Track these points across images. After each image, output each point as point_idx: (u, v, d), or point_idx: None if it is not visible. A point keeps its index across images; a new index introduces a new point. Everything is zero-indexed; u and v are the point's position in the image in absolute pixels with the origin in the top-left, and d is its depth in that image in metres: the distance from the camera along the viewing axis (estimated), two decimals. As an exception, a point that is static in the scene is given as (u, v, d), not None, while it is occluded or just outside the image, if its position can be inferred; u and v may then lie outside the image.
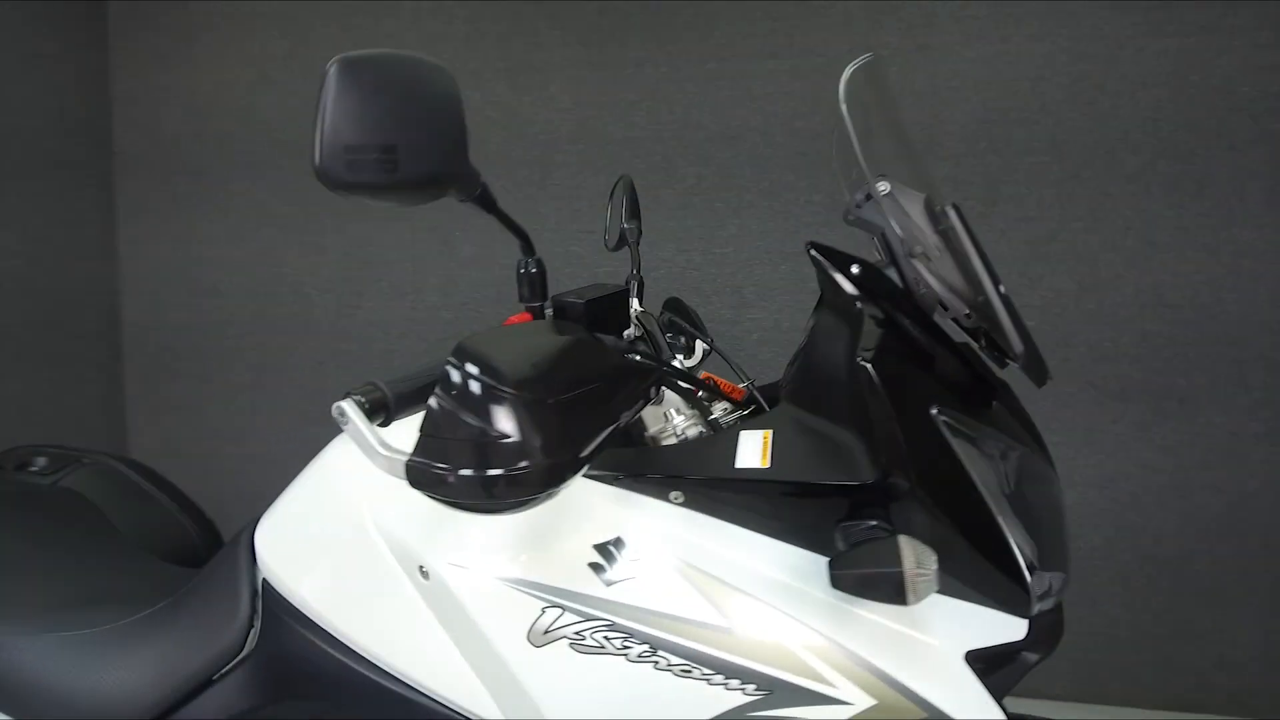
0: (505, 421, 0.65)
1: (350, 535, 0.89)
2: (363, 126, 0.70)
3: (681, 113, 2.23)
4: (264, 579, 0.95)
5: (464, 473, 0.64)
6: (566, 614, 0.78)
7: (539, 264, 0.80)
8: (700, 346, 1.09)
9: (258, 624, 0.93)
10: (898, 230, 0.82)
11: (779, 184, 2.20)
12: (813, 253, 0.82)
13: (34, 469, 1.31)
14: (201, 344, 2.53)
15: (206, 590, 0.97)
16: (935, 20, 2.09)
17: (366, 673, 0.87)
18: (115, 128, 2.53)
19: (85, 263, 2.44)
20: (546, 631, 0.78)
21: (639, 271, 1.12)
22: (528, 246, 0.82)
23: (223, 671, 0.93)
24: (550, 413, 0.66)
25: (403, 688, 0.85)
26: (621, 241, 1.18)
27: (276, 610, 0.92)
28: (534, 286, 0.83)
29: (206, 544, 1.34)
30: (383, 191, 0.72)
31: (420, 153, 0.71)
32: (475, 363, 0.68)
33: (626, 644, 0.76)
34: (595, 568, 0.78)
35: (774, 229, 2.20)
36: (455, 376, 0.68)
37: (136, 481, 1.35)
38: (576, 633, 0.77)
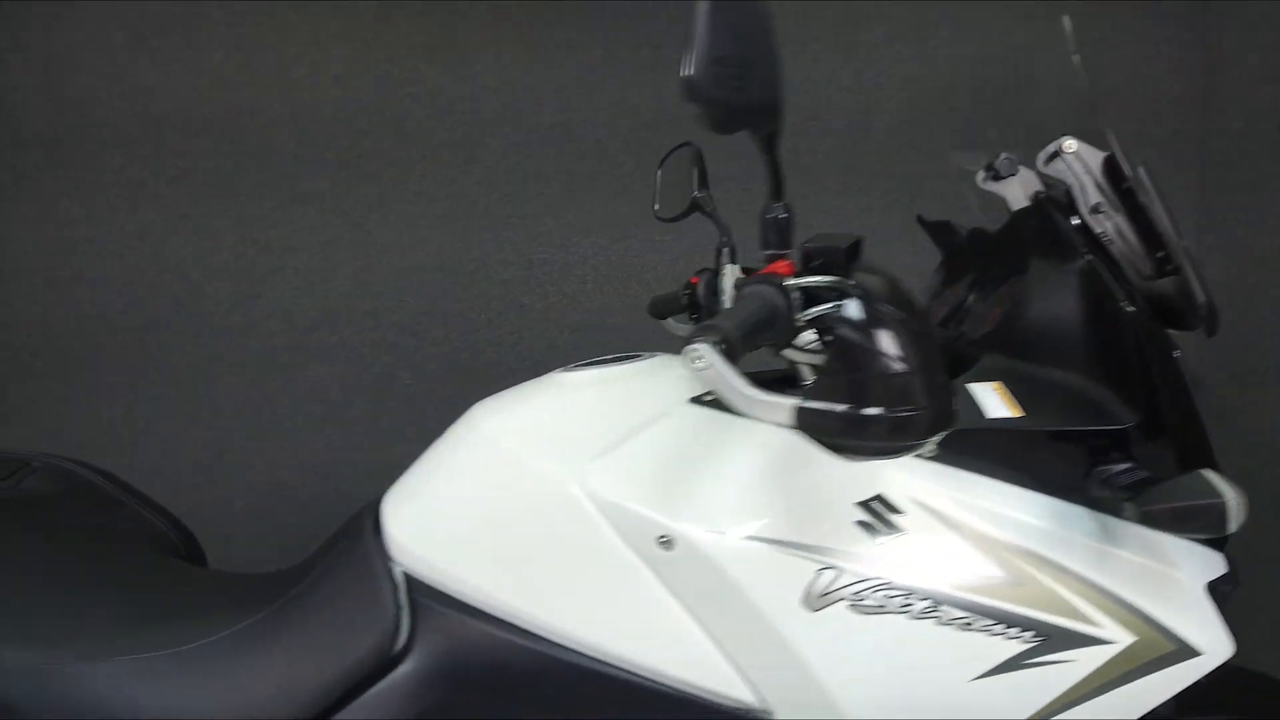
0: (914, 359, 0.64)
1: (549, 511, 0.82)
2: (731, 39, 0.66)
3: (617, 97, 2.20)
4: (404, 572, 0.85)
5: (872, 412, 0.61)
6: (843, 574, 0.75)
7: (788, 209, 0.77)
8: None
9: (405, 622, 0.82)
10: (1086, 186, 0.85)
11: (718, 173, 2.17)
12: (1041, 201, 0.83)
13: None
14: (62, 340, 2.21)
15: (326, 593, 0.85)
16: (863, 20, 2.19)
17: (572, 660, 0.80)
18: (-57, 89, 2.16)
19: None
20: (824, 594, 0.75)
21: (730, 238, 1.10)
22: (779, 191, 0.78)
23: (371, 679, 0.82)
24: (942, 358, 0.67)
25: (620, 672, 0.80)
26: (686, 211, 1.15)
27: (436, 605, 0.83)
28: (783, 233, 0.80)
29: (186, 544, 1.19)
30: (727, 111, 0.73)
31: (759, 76, 0.68)
32: (884, 299, 0.67)
33: (907, 601, 0.75)
34: (863, 526, 0.77)
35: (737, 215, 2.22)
36: (861, 312, 0.65)
37: (96, 483, 1.17)
38: (855, 593, 0.75)
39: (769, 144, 0.75)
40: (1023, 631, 0.74)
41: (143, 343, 2.21)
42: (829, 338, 0.76)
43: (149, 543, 1.09)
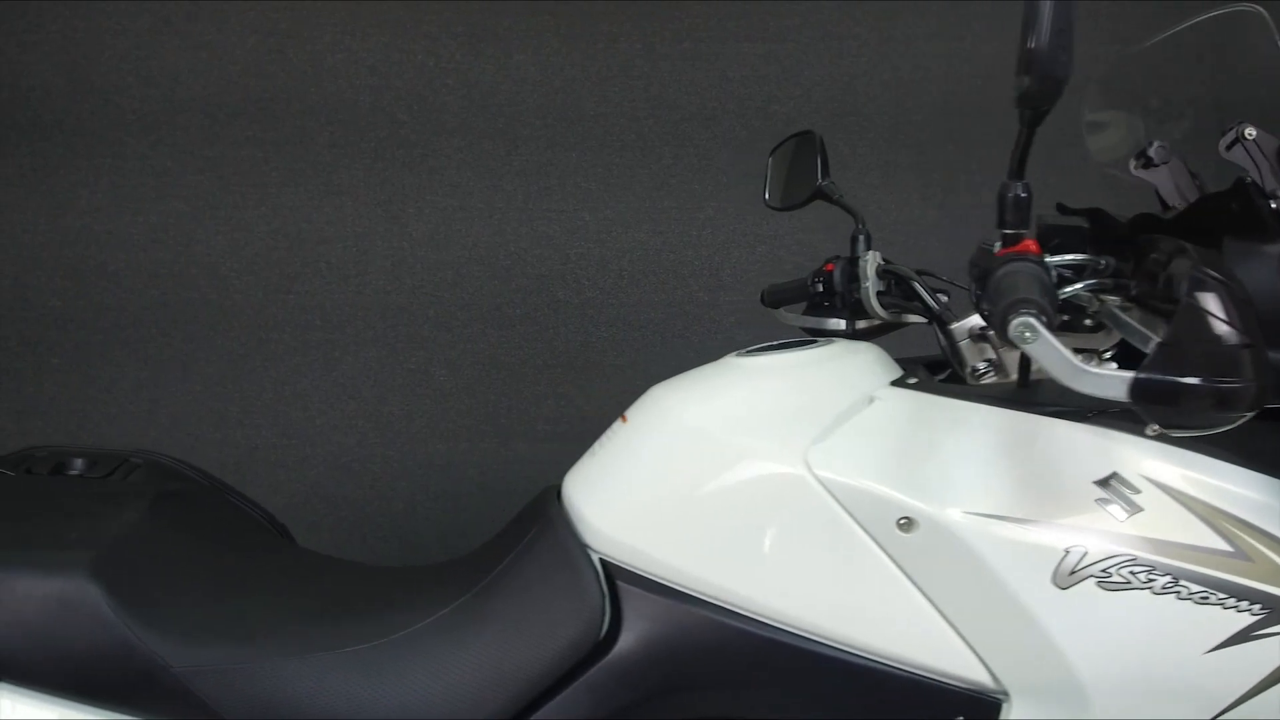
0: (1250, 333, 0.65)
1: (771, 495, 0.80)
2: (1069, 12, 0.65)
3: (657, 91, 2.19)
4: (601, 559, 0.83)
5: (1205, 384, 0.64)
6: (1091, 552, 0.75)
7: (1028, 188, 0.76)
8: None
9: (608, 609, 0.81)
10: (1264, 172, 0.86)
11: (756, 167, 2.20)
12: (1244, 184, 0.84)
13: (76, 471, 1.07)
14: (83, 335, 2.13)
15: (522, 582, 0.83)
16: (900, 16, 2.20)
17: (794, 644, 0.79)
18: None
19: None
20: (1073, 572, 0.75)
21: (864, 225, 1.09)
22: (1021, 170, 0.77)
23: (580, 668, 0.80)
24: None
25: (846, 655, 0.79)
26: (807, 199, 1.14)
27: (641, 591, 0.81)
28: (1023, 212, 0.78)
29: (283, 537, 1.16)
30: (1055, 85, 0.69)
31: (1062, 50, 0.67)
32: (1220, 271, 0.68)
33: (1150, 577, 0.75)
34: (1104, 503, 0.77)
35: (750, 211, 2.21)
36: (1207, 284, 0.67)
37: (194, 477, 1.14)
38: (1103, 570, 0.75)
39: (1035, 121, 0.74)
40: (1251, 604, 0.75)
41: (168, 338, 2.15)
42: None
43: (271, 535, 1.06)
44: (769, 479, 0.81)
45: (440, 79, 2.15)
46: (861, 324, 1.17)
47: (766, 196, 1.24)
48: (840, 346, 0.95)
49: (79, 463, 1.07)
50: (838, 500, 0.79)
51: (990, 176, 2.29)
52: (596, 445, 0.93)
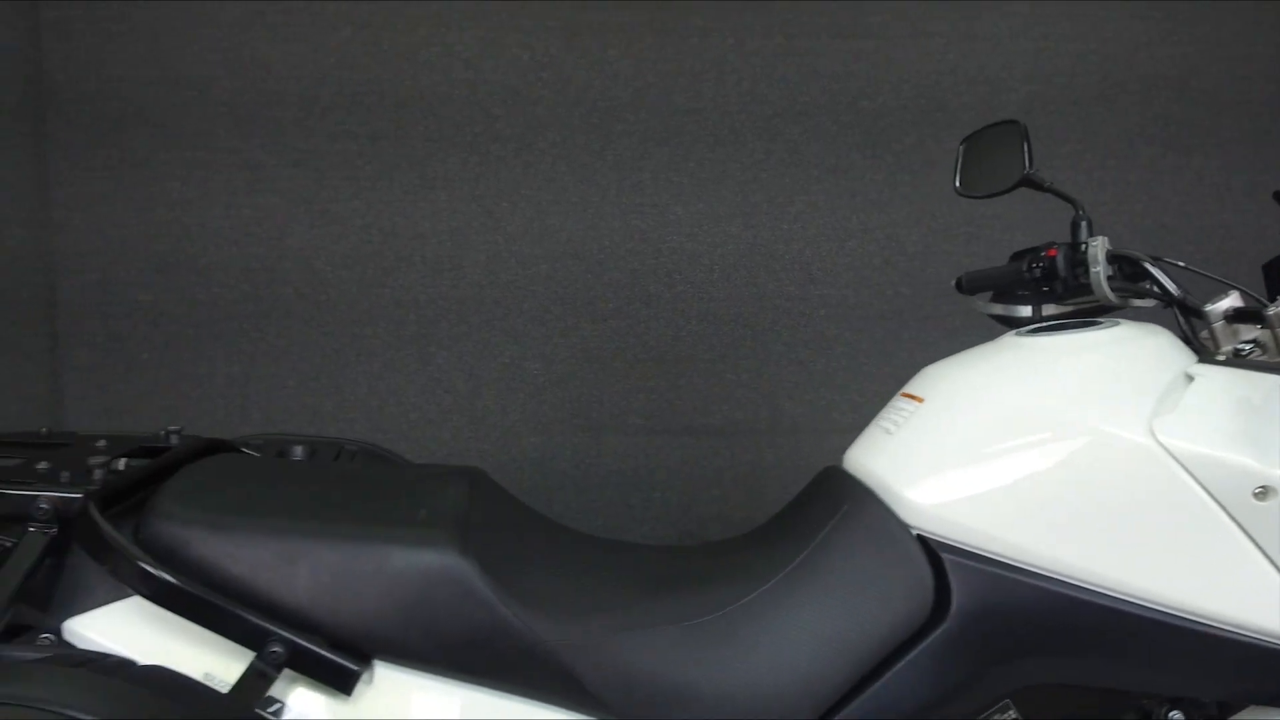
0: None
1: (1113, 466, 0.82)
2: None
3: (749, 86, 2.20)
4: (920, 534, 0.86)
5: None
6: None
7: None
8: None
9: (933, 583, 0.83)
10: None
11: (845, 161, 2.25)
12: None
13: (298, 459, 1.07)
14: (173, 329, 2.11)
15: (842, 558, 0.85)
16: (986, 14, 2.23)
17: (1137, 613, 0.82)
18: (46, 63, 2.02)
19: (7, 228, 1.93)
20: None
21: (1084, 211, 1.11)
22: None
23: (915, 639, 0.83)
24: None
25: (1192, 624, 0.81)
26: (1010, 187, 1.16)
27: (969, 564, 0.84)
28: None
29: None
30: None
31: None
32: None
33: None
34: None
35: (841, 206, 2.24)
36: None
37: (401, 462, 1.15)
38: None
39: None
40: None
41: (261, 332, 2.13)
42: None
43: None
44: (1114, 451, 0.83)
45: (535, 73, 2.14)
46: (1050, 310, 1.20)
47: (958, 184, 1.26)
48: (1133, 327, 0.97)
49: (299, 450, 1.08)
50: (1188, 470, 0.81)
51: (1073, 173, 2.36)
52: (888, 425, 0.94)
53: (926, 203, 2.25)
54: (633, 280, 2.22)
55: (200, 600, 0.74)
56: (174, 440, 0.98)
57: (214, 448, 1.01)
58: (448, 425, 2.18)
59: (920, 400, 0.94)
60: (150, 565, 0.74)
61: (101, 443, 0.91)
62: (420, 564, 0.76)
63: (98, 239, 2.08)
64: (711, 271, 2.24)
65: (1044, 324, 1.01)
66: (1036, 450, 0.85)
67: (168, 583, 0.73)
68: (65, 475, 0.78)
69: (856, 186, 2.25)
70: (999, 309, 1.22)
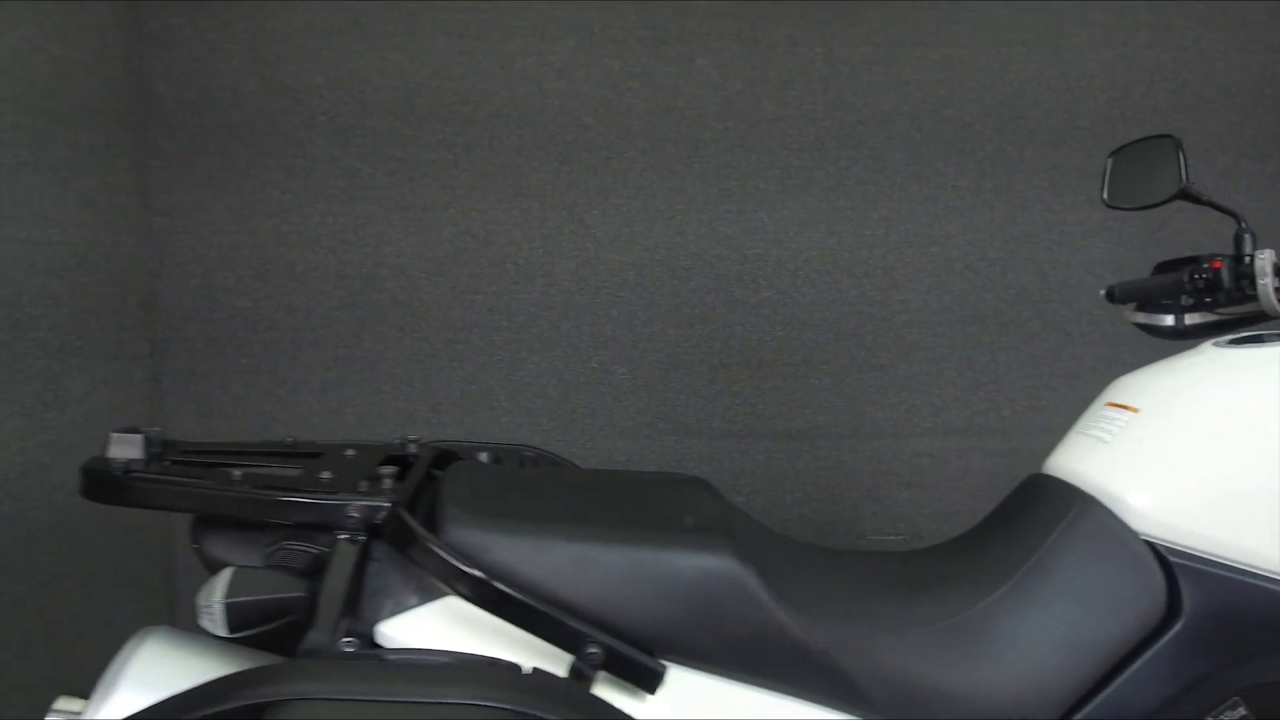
0: None
1: None
2: None
3: (834, 94, 2.23)
4: (1148, 540, 0.89)
5: None
6: None
7: None
8: None
9: (1164, 586, 0.86)
10: None
11: (929, 169, 2.28)
12: None
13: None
14: (271, 335, 2.14)
15: (1068, 562, 0.88)
16: (1066, 23, 2.26)
17: None
18: (148, 71, 2.05)
19: (111, 234, 1.95)
20: None
21: (1246, 223, 1.14)
22: None
23: (1149, 640, 0.86)
24: None
25: None
26: (1166, 199, 1.18)
27: (1199, 568, 0.87)
28: None
29: None
30: None
31: None
32: None
33: None
34: None
35: (923, 213, 2.27)
36: None
37: (572, 466, 1.18)
38: None
39: None
40: None
41: (357, 338, 2.16)
42: None
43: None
44: None
45: (625, 82, 2.17)
46: (1194, 320, 1.22)
47: (1105, 196, 1.28)
48: None
49: (484, 456, 1.11)
50: None
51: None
52: (1099, 434, 0.97)
53: (1009, 209, 2.28)
54: (718, 286, 2.25)
55: (520, 602, 0.76)
56: (412, 448, 1.01)
57: (447, 455, 1.04)
58: (538, 428, 2.21)
59: (1135, 410, 0.97)
60: (470, 567, 0.76)
61: (350, 452, 0.93)
62: (704, 568, 0.79)
63: (198, 245, 2.11)
64: (796, 277, 2.27)
65: (1240, 336, 1.04)
66: (1262, 457, 0.88)
67: (491, 585, 0.75)
68: (364, 485, 0.81)
69: (939, 193, 2.28)
70: (1142, 318, 1.25)
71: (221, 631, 0.73)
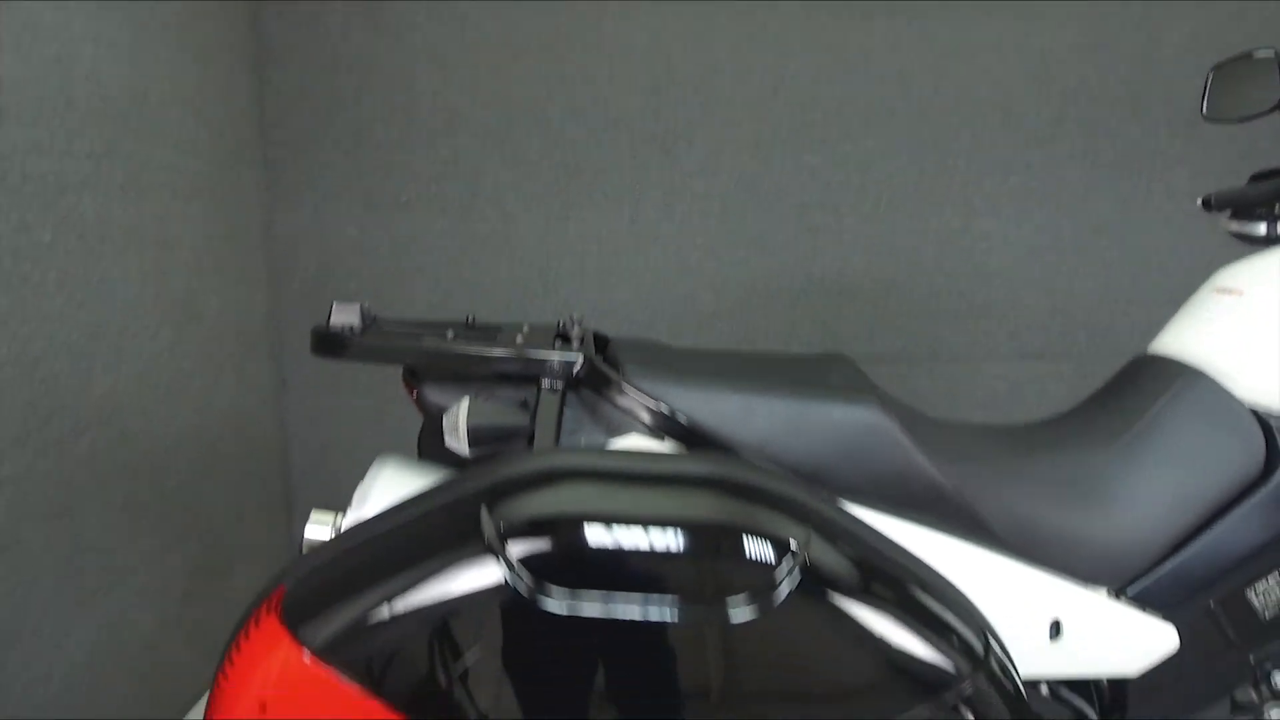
0: None
1: None
2: None
3: (918, 27, 2.26)
4: (1250, 408, 0.97)
5: None
6: None
7: None
8: None
9: (1263, 448, 0.95)
10: None
11: (1011, 98, 2.31)
12: None
13: None
14: (379, 266, 2.27)
15: (1175, 424, 0.97)
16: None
17: None
18: (263, 11, 2.17)
19: (234, 166, 2.09)
20: None
21: None
22: None
23: (1245, 493, 0.95)
24: None
25: None
26: (1262, 113, 1.23)
27: None
28: None
29: None
30: None
31: None
32: None
33: None
34: None
35: (1004, 141, 2.31)
36: None
37: None
38: None
39: None
40: None
41: (458, 267, 2.28)
42: None
43: None
44: None
45: (712, 15, 2.23)
46: None
47: (1205, 110, 1.33)
48: None
49: None
50: None
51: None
52: (1205, 315, 1.05)
53: (1089, 138, 2.31)
54: (801, 214, 2.32)
55: (700, 434, 0.86)
56: (575, 329, 1.11)
57: (601, 338, 1.14)
58: (627, 352, 2.32)
59: (1239, 293, 1.04)
60: (657, 405, 0.87)
61: (525, 328, 1.05)
62: (855, 416, 0.90)
63: (310, 178, 2.24)
64: (878, 206, 2.33)
65: None
66: None
67: (675, 419, 0.85)
68: (558, 344, 0.92)
69: (1021, 122, 2.31)
70: (1236, 226, 1.30)
71: (463, 448, 0.84)
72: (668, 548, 0.55)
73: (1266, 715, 0.98)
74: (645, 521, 0.55)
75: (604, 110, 2.24)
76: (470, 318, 1.05)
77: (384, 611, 0.53)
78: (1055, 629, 0.90)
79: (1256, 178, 1.31)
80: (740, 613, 0.54)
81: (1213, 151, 2.31)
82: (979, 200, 2.33)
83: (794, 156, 2.29)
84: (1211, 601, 0.95)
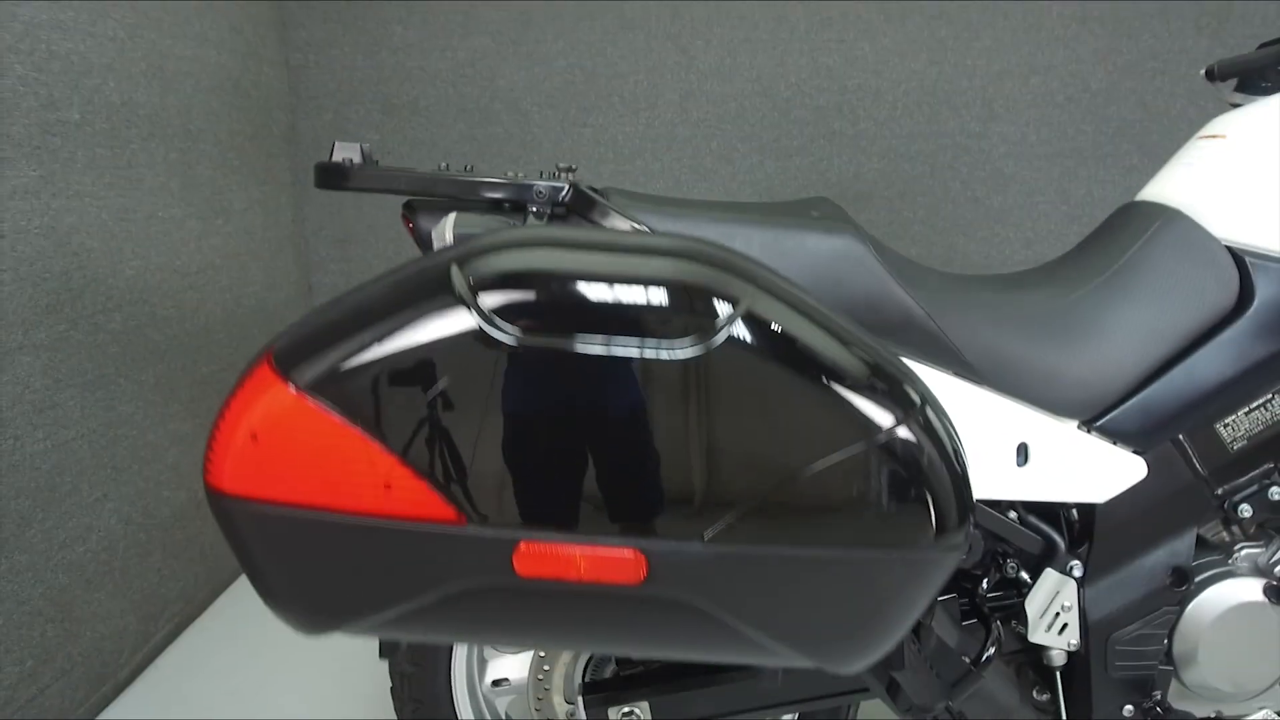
0: None
1: None
2: None
3: (940, -80, 2.22)
4: (1227, 245, 0.99)
5: None
6: None
7: None
8: None
9: (1236, 281, 0.97)
10: None
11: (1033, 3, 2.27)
12: None
13: None
14: (399, 164, 2.30)
15: (1152, 262, 0.99)
16: None
17: None
18: (282, -88, 2.18)
19: (256, 65, 2.12)
20: None
21: None
22: None
23: (1219, 327, 0.97)
24: None
25: None
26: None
27: (1272, 264, 0.97)
28: None
29: None
30: None
31: None
32: None
33: None
34: None
35: (1026, 42, 2.28)
36: None
37: None
38: None
39: None
40: None
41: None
42: None
43: None
44: None
45: (730, -89, 2.21)
46: None
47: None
48: None
49: None
50: None
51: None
52: (1189, 161, 1.06)
53: (1113, 38, 2.27)
54: (817, 117, 2.32)
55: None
56: (566, 176, 1.14)
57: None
58: (642, 256, 2.35)
59: (1222, 137, 1.05)
60: (640, 223, 0.90)
61: (520, 174, 1.09)
62: (830, 244, 0.92)
63: (330, 81, 2.27)
64: (895, 109, 2.32)
65: None
66: None
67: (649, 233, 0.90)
68: (544, 175, 0.96)
69: (1042, 20, 2.28)
70: (1239, 98, 1.30)
71: None
72: (625, 299, 0.59)
73: (1236, 553, 1.01)
74: (605, 277, 0.60)
75: (620, 11, 2.24)
76: (468, 165, 1.08)
77: (362, 354, 0.58)
78: (1023, 453, 0.93)
79: (1264, 46, 1.30)
80: (687, 351, 0.59)
81: (1239, 51, 2.26)
82: (999, 103, 2.31)
83: (810, 56, 2.28)
84: (1181, 435, 0.97)
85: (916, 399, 0.63)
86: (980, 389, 0.94)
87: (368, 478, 0.59)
